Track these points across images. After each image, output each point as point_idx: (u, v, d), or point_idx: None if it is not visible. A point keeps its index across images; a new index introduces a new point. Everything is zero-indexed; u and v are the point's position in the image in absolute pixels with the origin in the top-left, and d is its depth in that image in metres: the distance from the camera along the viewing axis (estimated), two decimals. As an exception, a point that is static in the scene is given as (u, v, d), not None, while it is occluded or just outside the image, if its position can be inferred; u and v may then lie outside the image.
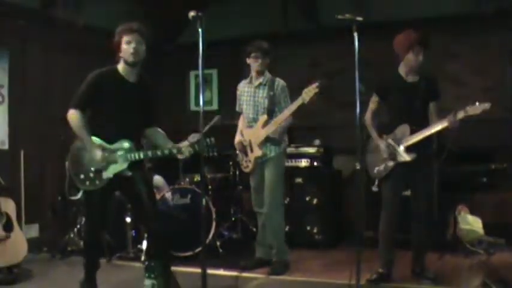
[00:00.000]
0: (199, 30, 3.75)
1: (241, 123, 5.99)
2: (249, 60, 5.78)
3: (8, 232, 5.51)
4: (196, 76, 9.12)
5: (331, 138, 7.47)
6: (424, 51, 5.00)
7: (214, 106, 9.08)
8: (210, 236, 6.22)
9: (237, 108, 6.00)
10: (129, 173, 4.52)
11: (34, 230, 6.88)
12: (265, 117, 5.66)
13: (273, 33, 8.01)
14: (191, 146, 4.44)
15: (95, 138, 4.51)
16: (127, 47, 4.49)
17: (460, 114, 4.72)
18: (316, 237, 6.88)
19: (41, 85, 7.08)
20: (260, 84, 5.78)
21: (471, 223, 6.43)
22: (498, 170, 6.76)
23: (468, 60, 7.55)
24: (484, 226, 6.43)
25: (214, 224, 6.27)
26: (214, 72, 9.12)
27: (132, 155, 4.48)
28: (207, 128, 6.21)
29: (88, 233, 4.83)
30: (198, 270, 3.91)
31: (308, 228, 6.89)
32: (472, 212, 6.57)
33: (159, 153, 4.53)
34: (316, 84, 5.25)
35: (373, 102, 5.32)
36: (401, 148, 5.01)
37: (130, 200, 5.10)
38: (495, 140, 7.04)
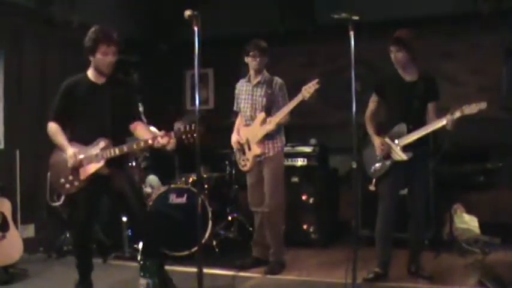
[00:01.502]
0: (195, 29, 3.74)
1: (238, 122, 5.98)
2: (247, 59, 5.78)
3: (3, 232, 5.50)
4: (192, 75, 9.12)
5: (327, 138, 7.46)
6: (399, 50, 5.03)
7: (211, 105, 9.07)
8: (206, 235, 6.21)
9: (235, 108, 6.00)
10: (106, 171, 4.58)
11: (30, 230, 6.86)
12: (263, 115, 5.66)
13: (270, 33, 8.01)
14: (167, 134, 4.39)
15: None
16: (103, 58, 4.57)
17: (457, 114, 4.74)
18: (313, 236, 6.87)
19: (36, 84, 7.05)
20: (258, 82, 5.78)
21: (467, 222, 6.45)
22: (494, 169, 6.77)
23: (464, 59, 7.56)
24: (480, 225, 6.45)
25: (210, 223, 6.26)
26: (210, 72, 9.12)
27: (107, 152, 4.52)
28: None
29: (73, 234, 4.97)
30: (195, 269, 3.90)
31: (304, 227, 6.89)
32: (468, 211, 6.59)
33: (134, 146, 4.55)
34: (317, 80, 5.26)
35: (373, 102, 5.33)
36: (398, 147, 5.02)
37: (117, 201, 5.05)
38: (491, 139, 7.05)
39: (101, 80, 4.69)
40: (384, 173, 5.14)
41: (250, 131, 5.73)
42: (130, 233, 6.34)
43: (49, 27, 7.14)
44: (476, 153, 6.98)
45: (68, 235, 6.48)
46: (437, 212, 6.55)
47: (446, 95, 6.55)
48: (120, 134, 4.73)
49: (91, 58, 4.64)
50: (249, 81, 5.88)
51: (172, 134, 4.37)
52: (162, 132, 4.45)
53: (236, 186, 7.24)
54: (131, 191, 4.72)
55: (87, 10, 7.39)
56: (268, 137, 5.65)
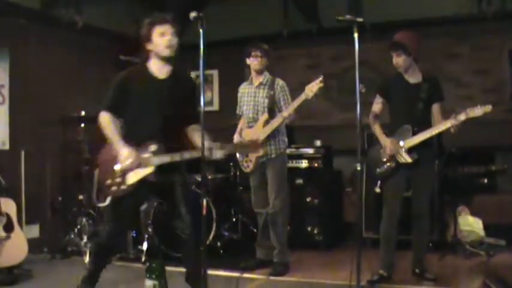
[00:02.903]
0: (200, 30, 3.73)
1: (241, 124, 5.98)
2: (248, 61, 5.78)
3: (8, 232, 5.50)
4: (197, 77, 9.11)
5: (331, 139, 7.46)
6: (399, 55, 5.02)
7: (215, 107, 9.08)
8: (211, 236, 6.22)
9: (238, 111, 6.00)
10: (155, 179, 4.18)
11: (34, 231, 6.87)
12: (266, 116, 5.65)
13: (275, 34, 8.03)
14: (223, 146, 4.15)
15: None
16: (160, 39, 4.16)
17: (462, 117, 4.73)
18: (317, 238, 6.87)
19: (41, 85, 7.07)
20: (260, 84, 5.79)
21: (472, 224, 6.44)
22: (498, 171, 6.77)
23: (468, 61, 7.55)
24: (485, 227, 6.43)
25: (214, 224, 6.26)
26: (215, 73, 9.12)
27: (158, 158, 4.14)
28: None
29: (108, 236, 4.44)
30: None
31: (308, 229, 6.89)
32: (473, 213, 6.57)
33: (187, 155, 4.18)
34: (320, 78, 5.21)
35: (378, 104, 5.31)
36: (403, 149, 5.02)
37: (169, 209, 4.55)
38: (495, 141, 7.04)
39: (162, 74, 4.26)
40: (389, 175, 5.14)
41: (253, 133, 5.73)
42: (134, 234, 6.35)
43: (54, 28, 7.17)
44: (481, 156, 6.98)
45: (72, 236, 6.49)
46: (442, 214, 6.55)
47: (451, 96, 6.57)
48: (174, 138, 4.27)
49: (149, 47, 4.21)
50: (251, 83, 5.89)
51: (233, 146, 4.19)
52: (218, 144, 4.15)
53: (240, 188, 7.24)
54: (185, 205, 4.33)
55: (92, 11, 7.42)
56: (271, 138, 5.65)
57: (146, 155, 4.15)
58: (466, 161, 6.71)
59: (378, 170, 5.21)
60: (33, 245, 6.10)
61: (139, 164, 4.13)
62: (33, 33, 7.02)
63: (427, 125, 5.03)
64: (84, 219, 6.53)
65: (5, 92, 6.72)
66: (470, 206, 6.65)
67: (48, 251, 6.56)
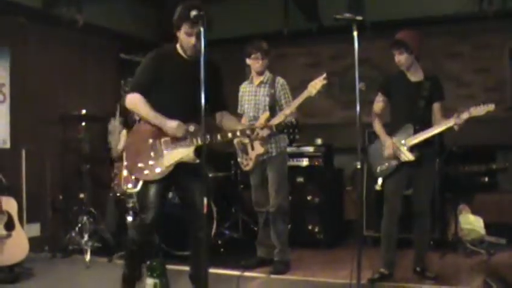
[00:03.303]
0: (201, 29, 3.71)
1: (242, 123, 5.97)
2: (249, 61, 5.78)
3: (9, 231, 5.51)
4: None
5: (332, 137, 7.46)
6: (401, 53, 5.01)
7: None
8: (211, 235, 6.22)
9: (239, 110, 5.99)
10: (194, 159, 4.02)
11: (35, 229, 6.88)
12: (267, 114, 5.64)
13: (275, 33, 8.02)
14: (268, 125, 4.03)
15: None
16: (186, 39, 4.09)
17: (464, 115, 4.74)
18: (318, 237, 6.87)
19: (42, 84, 7.08)
20: (261, 82, 5.78)
21: (472, 223, 6.43)
22: (499, 170, 6.76)
23: (469, 59, 7.56)
24: (486, 226, 6.42)
25: (215, 223, 6.27)
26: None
27: (199, 139, 3.97)
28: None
29: (140, 231, 4.22)
30: (200, 269, 3.91)
31: (309, 227, 6.89)
32: (474, 212, 6.57)
33: (229, 135, 4.07)
34: (324, 75, 5.19)
35: (379, 102, 5.30)
36: (405, 148, 5.02)
37: (183, 204, 4.41)
38: (496, 139, 7.05)
39: (191, 57, 4.14)
40: (390, 173, 5.14)
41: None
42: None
43: (55, 27, 7.17)
44: (482, 154, 6.97)
45: (73, 234, 6.48)
46: (443, 213, 6.55)
47: (452, 95, 6.57)
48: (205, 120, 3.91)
49: (178, 34, 4.16)
50: (251, 82, 5.88)
51: (272, 125, 4.09)
52: (259, 123, 4.10)
53: (241, 186, 7.24)
54: (197, 196, 4.06)
55: (93, 10, 7.42)
56: (272, 136, 5.64)
57: (194, 128, 3.99)
58: (467, 160, 6.70)
59: (378, 168, 5.21)
60: (34, 243, 6.10)
61: (175, 145, 4.01)
62: (33, 32, 7.02)
63: (428, 123, 5.03)
64: (85, 218, 6.53)
65: (6, 90, 6.73)
66: (471, 204, 6.64)
67: (49, 250, 6.56)
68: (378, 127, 5.27)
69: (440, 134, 5.11)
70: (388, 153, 5.08)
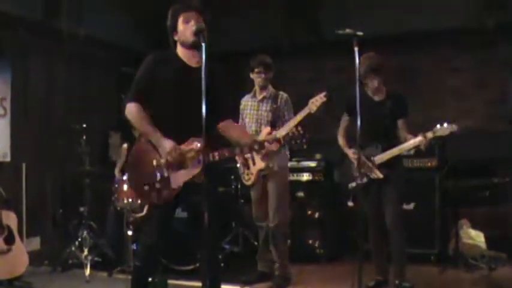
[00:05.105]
0: (203, 44, 3.66)
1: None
2: (252, 75, 5.79)
3: (9, 245, 5.50)
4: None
5: (332, 152, 7.43)
6: (375, 78, 5.21)
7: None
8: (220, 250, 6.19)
9: (239, 123, 5.99)
10: (202, 179, 3.57)
11: (35, 243, 6.87)
12: (268, 129, 5.64)
13: (276, 46, 8.03)
14: (277, 139, 3.80)
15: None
16: (185, 26, 3.83)
17: (430, 134, 4.92)
18: (318, 251, 6.85)
19: (43, 97, 7.10)
20: (264, 98, 5.78)
21: (473, 237, 6.43)
22: (500, 184, 6.75)
23: (470, 73, 7.56)
24: (486, 240, 6.42)
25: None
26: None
27: (207, 156, 3.62)
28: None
29: (144, 255, 4.00)
30: (199, 284, 3.88)
31: (310, 242, 6.87)
32: (474, 226, 6.56)
33: (237, 151, 3.90)
34: (324, 93, 5.31)
35: (344, 121, 5.53)
36: (374, 165, 5.15)
37: (191, 219, 4.27)
38: (497, 153, 7.02)
39: (193, 62, 3.90)
40: (363, 190, 5.26)
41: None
42: (135, 247, 6.33)
43: (55, 40, 7.19)
44: (482, 168, 6.96)
45: (73, 248, 6.46)
46: (443, 227, 6.53)
47: (452, 109, 6.58)
48: (212, 133, 3.78)
49: (176, 37, 3.92)
50: (254, 96, 5.88)
51: (280, 138, 3.87)
52: (269, 136, 3.95)
53: (241, 201, 7.22)
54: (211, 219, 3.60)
55: (94, 23, 7.44)
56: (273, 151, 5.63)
57: (190, 154, 3.70)
58: (468, 174, 6.70)
59: (349, 185, 5.38)
60: (34, 257, 6.10)
61: (182, 164, 3.72)
62: (34, 45, 7.04)
63: (395, 140, 5.21)
64: (85, 232, 6.50)
65: (7, 104, 6.73)
66: (471, 218, 6.64)
67: (49, 264, 6.53)
68: (342, 143, 5.51)
69: (441, 148, 5.14)
70: (358, 170, 5.09)
